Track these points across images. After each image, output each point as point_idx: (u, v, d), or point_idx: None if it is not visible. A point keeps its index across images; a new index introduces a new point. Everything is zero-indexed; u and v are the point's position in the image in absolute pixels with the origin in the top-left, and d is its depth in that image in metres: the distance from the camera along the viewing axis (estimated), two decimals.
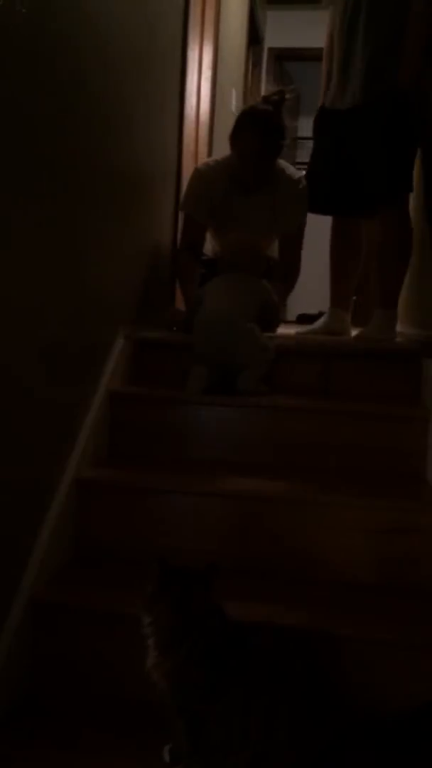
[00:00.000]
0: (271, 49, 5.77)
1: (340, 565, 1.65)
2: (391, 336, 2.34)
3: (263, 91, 5.56)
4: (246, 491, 1.72)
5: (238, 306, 2.09)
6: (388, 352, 2.15)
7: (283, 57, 5.90)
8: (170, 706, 1.24)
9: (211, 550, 1.65)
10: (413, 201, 2.46)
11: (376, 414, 1.91)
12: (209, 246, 2.77)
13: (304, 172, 2.59)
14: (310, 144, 2.69)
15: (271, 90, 2.50)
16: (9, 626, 1.43)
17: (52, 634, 1.52)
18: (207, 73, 3.55)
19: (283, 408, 1.95)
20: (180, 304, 2.75)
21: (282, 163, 2.54)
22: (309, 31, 5.36)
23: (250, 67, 5.17)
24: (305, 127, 6.01)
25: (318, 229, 2.96)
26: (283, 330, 2.63)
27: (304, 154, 6.30)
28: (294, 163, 6.10)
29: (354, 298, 2.74)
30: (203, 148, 3.55)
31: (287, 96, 2.44)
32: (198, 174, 2.52)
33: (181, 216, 2.69)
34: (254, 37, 5.21)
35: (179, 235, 2.72)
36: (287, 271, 2.56)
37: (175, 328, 2.40)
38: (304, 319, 5.14)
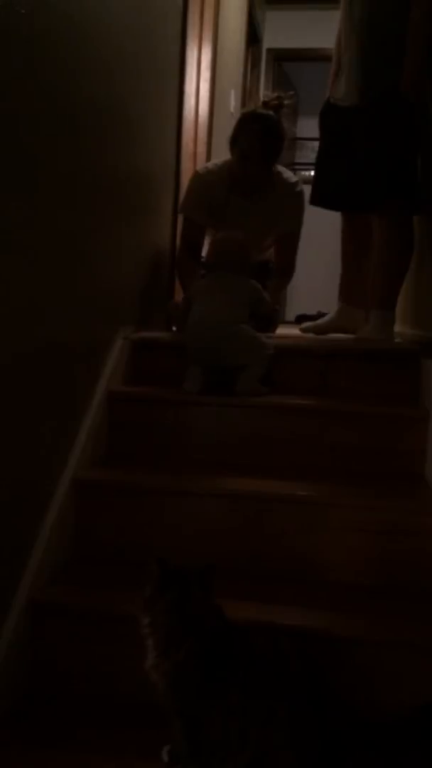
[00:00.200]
0: (269, 50, 5.78)
1: (339, 565, 1.65)
2: (389, 335, 2.35)
3: (262, 92, 5.57)
4: (245, 491, 1.72)
5: (227, 307, 2.07)
6: (387, 352, 2.15)
7: (281, 58, 5.90)
8: (169, 706, 1.24)
9: (210, 551, 1.65)
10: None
11: (375, 414, 1.91)
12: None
13: (311, 173, 2.59)
14: (309, 144, 2.70)
15: (271, 95, 2.52)
16: (8, 627, 1.43)
17: (51, 634, 1.52)
18: (206, 74, 3.55)
19: (282, 408, 1.95)
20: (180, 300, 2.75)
21: (278, 166, 2.55)
22: (308, 31, 5.37)
23: (249, 68, 5.17)
24: (304, 127, 6.04)
25: (317, 231, 2.97)
26: (282, 330, 2.63)
27: (304, 154, 6.32)
28: (293, 164, 6.14)
29: None
30: (202, 148, 3.55)
31: (286, 102, 2.47)
32: (197, 177, 2.54)
33: (180, 217, 2.69)
34: (253, 37, 5.21)
35: (178, 236, 2.72)
36: (282, 272, 2.58)
37: (174, 328, 2.40)
38: (303, 319, 5.15)
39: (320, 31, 2.66)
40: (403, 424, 1.88)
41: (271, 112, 2.41)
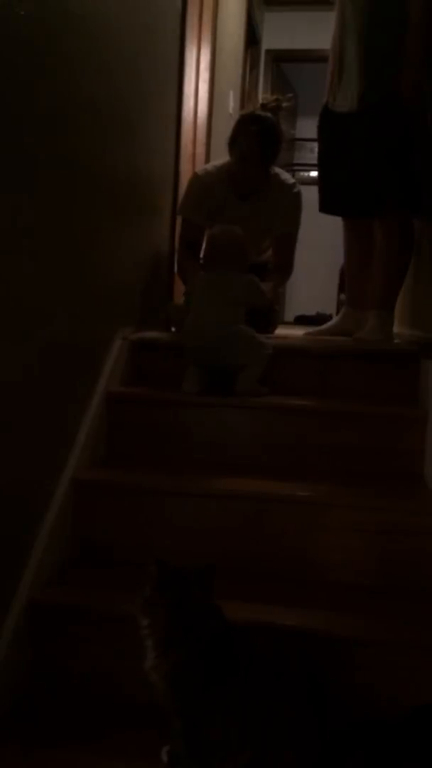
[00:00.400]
0: (268, 51, 5.78)
1: (338, 565, 1.65)
2: (388, 336, 2.35)
3: (261, 93, 5.57)
4: (244, 492, 1.72)
5: (224, 307, 2.07)
6: (386, 352, 2.15)
7: (280, 58, 5.90)
8: (168, 707, 1.24)
9: (209, 551, 1.65)
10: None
11: (374, 415, 1.91)
12: None
13: (310, 173, 2.60)
14: (308, 145, 2.71)
15: (269, 97, 2.54)
16: (7, 627, 1.43)
17: (51, 635, 1.52)
18: (204, 75, 3.55)
19: (281, 408, 1.95)
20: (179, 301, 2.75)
21: (276, 168, 2.56)
22: (306, 32, 5.37)
23: (248, 69, 5.18)
24: (303, 128, 6.05)
25: (316, 232, 2.98)
26: (281, 331, 2.63)
27: (303, 155, 6.33)
28: (292, 164, 6.14)
29: (341, 295, 2.75)
30: (201, 149, 3.55)
31: (284, 104, 2.49)
32: (196, 179, 2.55)
33: (179, 218, 2.70)
34: (252, 38, 5.22)
35: (177, 237, 2.72)
36: (279, 271, 2.59)
37: (173, 329, 2.40)
38: (302, 320, 5.16)
39: (319, 32, 2.66)
40: (402, 425, 1.88)
41: (269, 114, 2.43)
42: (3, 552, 1.43)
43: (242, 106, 4.65)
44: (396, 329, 2.53)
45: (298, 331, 2.76)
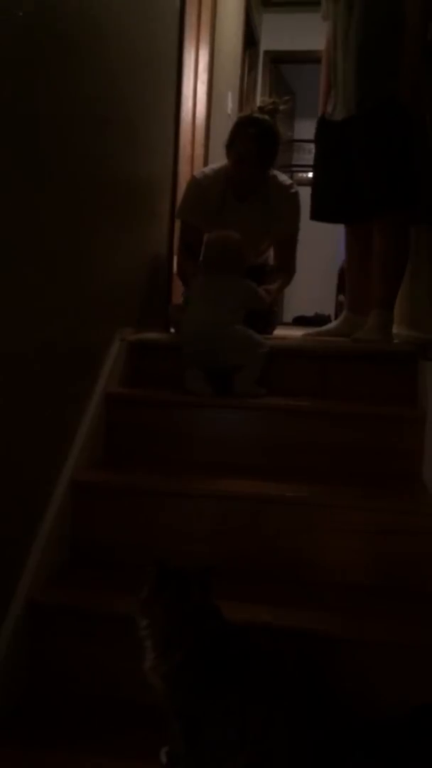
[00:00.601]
0: (267, 52, 5.79)
1: (337, 566, 1.65)
2: (387, 336, 2.36)
3: (259, 94, 5.58)
4: (243, 493, 1.72)
5: (221, 308, 2.08)
6: (384, 353, 2.15)
7: (278, 60, 5.91)
8: (168, 707, 1.24)
9: (208, 552, 1.65)
10: None
11: (373, 415, 1.92)
12: None
13: (308, 174, 2.61)
14: (306, 146, 2.72)
15: (267, 100, 2.54)
16: (6, 627, 1.43)
17: (49, 636, 1.52)
18: (203, 76, 3.56)
19: (279, 409, 1.96)
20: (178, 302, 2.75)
21: (273, 170, 2.57)
22: (305, 34, 5.36)
23: (246, 70, 5.18)
24: (302, 129, 6.05)
25: (314, 233, 2.97)
26: (280, 332, 2.63)
27: (301, 156, 6.34)
28: (291, 165, 6.15)
29: (340, 296, 2.76)
30: (199, 150, 3.55)
31: (281, 107, 2.50)
32: (194, 182, 2.56)
33: (177, 220, 2.70)
34: (250, 39, 5.22)
35: (176, 238, 2.72)
36: (281, 274, 2.59)
37: (173, 330, 2.40)
38: (300, 321, 5.16)
39: (317, 34, 2.66)
40: (401, 425, 1.88)
41: (266, 117, 2.44)
42: (2, 552, 1.44)
43: (241, 107, 4.66)
44: (395, 330, 2.54)
45: (297, 332, 2.77)
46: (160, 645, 1.24)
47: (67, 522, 1.71)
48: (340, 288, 4.41)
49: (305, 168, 6.01)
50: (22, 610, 1.47)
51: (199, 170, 2.75)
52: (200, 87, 3.51)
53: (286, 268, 2.62)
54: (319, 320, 4.76)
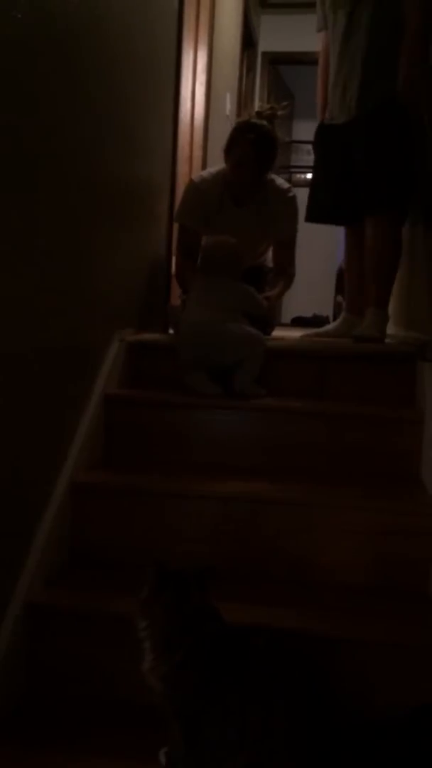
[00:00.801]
0: (265, 53, 5.80)
1: (336, 567, 1.65)
2: (383, 334, 2.37)
3: (258, 95, 5.58)
4: (242, 493, 1.72)
5: (218, 308, 2.08)
6: (382, 354, 2.16)
7: (277, 61, 5.92)
8: (166, 708, 1.24)
9: (207, 553, 1.65)
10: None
11: (371, 416, 1.92)
12: None
13: (307, 175, 2.62)
14: (305, 147, 2.73)
15: (265, 106, 2.56)
16: (5, 627, 1.43)
17: (48, 637, 1.52)
18: (201, 77, 3.56)
19: (278, 410, 1.96)
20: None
21: (271, 174, 2.58)
22: (303, 35, 5.35)
23: (245, 71, 5.19)
24: (300, 131, 6.05)
25: (313, 234, 2.98)
26: (279, 333, 2.63)
27: (299, 157, 6.35)
28: (289, 166, 6.15)
29: (338, 297, 2.77)
30: (198, 152, 3.55)
31: (280, 113, 2.52)
32: (192, 186, 2.57)
33: (175, 223, 2.70)
34: (248, 41, 5.23)
35: (174, 239, 2.73)
36: (281, 278, 2.60)
37: (172, 331, 2.40)
38: (298, 321, 5.16)
39: (315, 35, 2.67)
40: (400, 426, 1.89)
41: (264, 122, 2.45)
42: (1, 553, 1.43)
43: (239, 108, 4.67)
44: (393, 331, 2.54)
45: (296, 333, 2.77)
46: (159, 646, 1.24)
47: (66, 522, 1.70)
48: (339, 289, 4.42)
49: (304, 169, 6.03)
50: (21, 610, 1.47)
51: (197, 174, 2.76)
52: (198, 88, 3.52)
53: (285, 272, 2.62)
54: (317, 321, 4.77)
